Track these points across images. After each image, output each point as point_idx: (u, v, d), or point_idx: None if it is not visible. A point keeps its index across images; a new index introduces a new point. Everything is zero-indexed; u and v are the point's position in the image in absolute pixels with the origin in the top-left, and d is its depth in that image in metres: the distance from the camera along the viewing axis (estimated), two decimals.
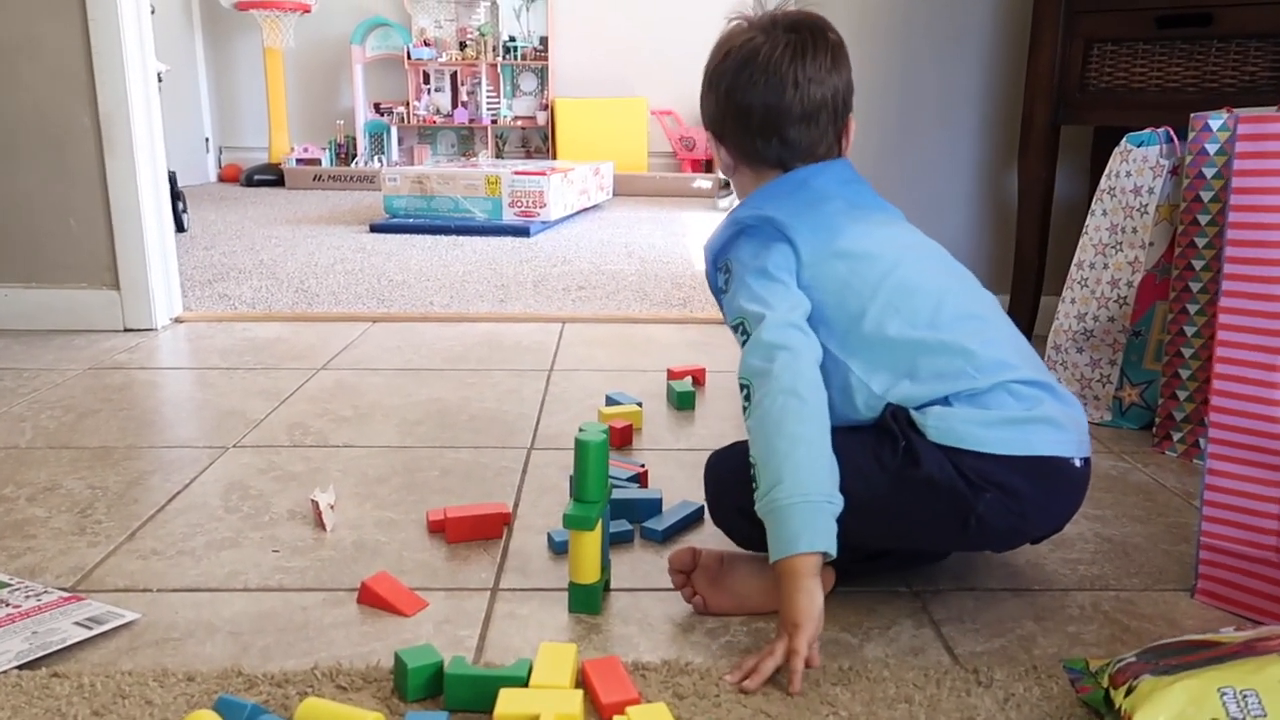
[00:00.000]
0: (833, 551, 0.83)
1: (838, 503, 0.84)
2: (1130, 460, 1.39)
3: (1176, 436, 1.42)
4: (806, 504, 0.83)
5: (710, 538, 1.11)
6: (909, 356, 0.90)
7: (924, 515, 0.89)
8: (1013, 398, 0.89)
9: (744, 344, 0.93)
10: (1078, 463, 0.93)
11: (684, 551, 0.96)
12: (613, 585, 1.00)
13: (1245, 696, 0.62)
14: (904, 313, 0.91)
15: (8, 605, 0.92)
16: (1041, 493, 0.90)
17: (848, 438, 0.89)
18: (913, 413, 0.89)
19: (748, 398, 0.91)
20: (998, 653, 0.88)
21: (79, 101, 2.02)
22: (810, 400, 0.87)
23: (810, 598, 0.81)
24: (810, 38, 0.98)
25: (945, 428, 0.87)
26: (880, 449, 0.89)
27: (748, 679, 0.80)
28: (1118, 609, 0.97)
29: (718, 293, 1.03)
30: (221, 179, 6.32)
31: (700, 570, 0.95)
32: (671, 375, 1.70)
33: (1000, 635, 0.92)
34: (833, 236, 0.96)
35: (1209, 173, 1.35)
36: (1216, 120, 1.34)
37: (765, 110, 0.98)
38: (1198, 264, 1.38)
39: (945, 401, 0.88)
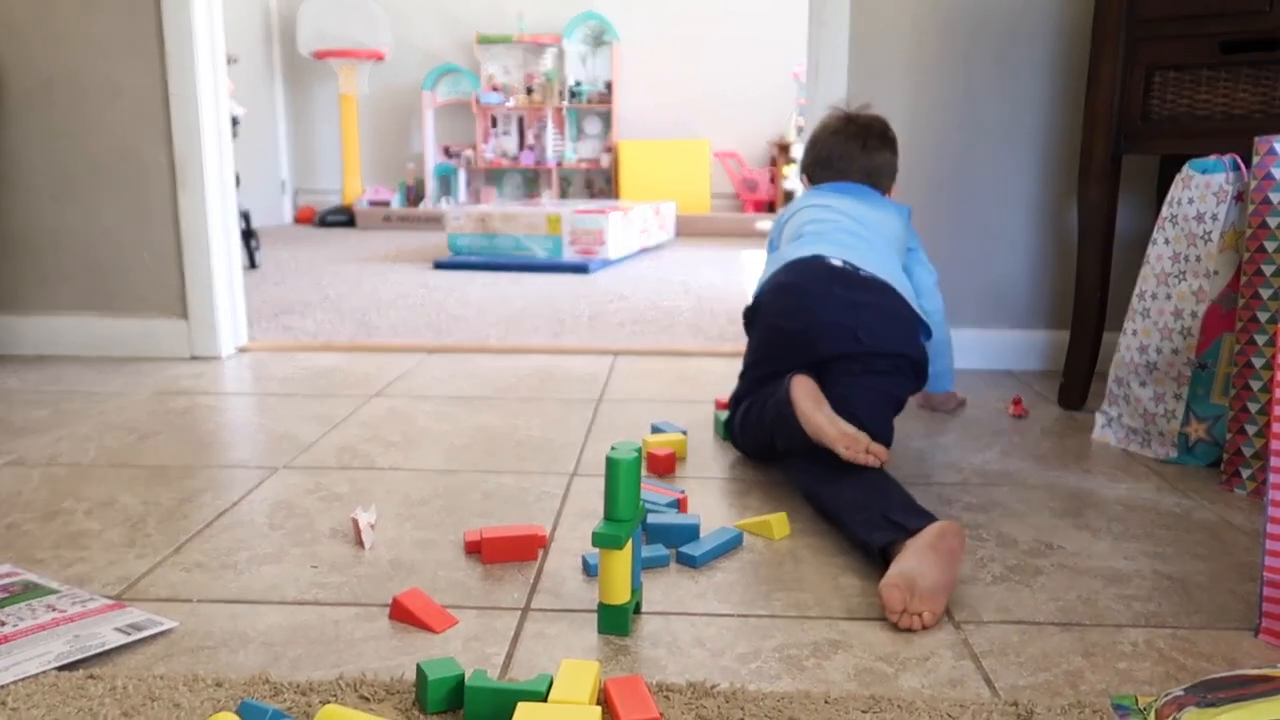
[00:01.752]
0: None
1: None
2: (1195, 498, 1.33)
3: (1246, 474, 1.35)
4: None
5: (748, 565, 1.09)
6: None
7: (757, 330, 1.48)
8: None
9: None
10: (836, 261, 1.41)
11: (894, 594, 0.96)
12: (645, 609, 0.98)
13: None
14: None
15: (55, 610, 0.95)
16: (801, 275, 1.42)
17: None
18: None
19: None
20: (1041, 687, 0.84)
21: (156, 141, 2.11)
22: None
23: None
24: (869, 131, 1.66)
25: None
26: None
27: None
28: (1174, 647, 0.92)
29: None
30: (297, 220, 6.54)
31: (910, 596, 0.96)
32: (720, 406, 1.68)
33: (1045, 670, 0.88)
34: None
35: (1276, 199, 1.31)
36: None
37: (830, 160, 1.67)
38: (1265, 293, 1.32)
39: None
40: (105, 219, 2.15)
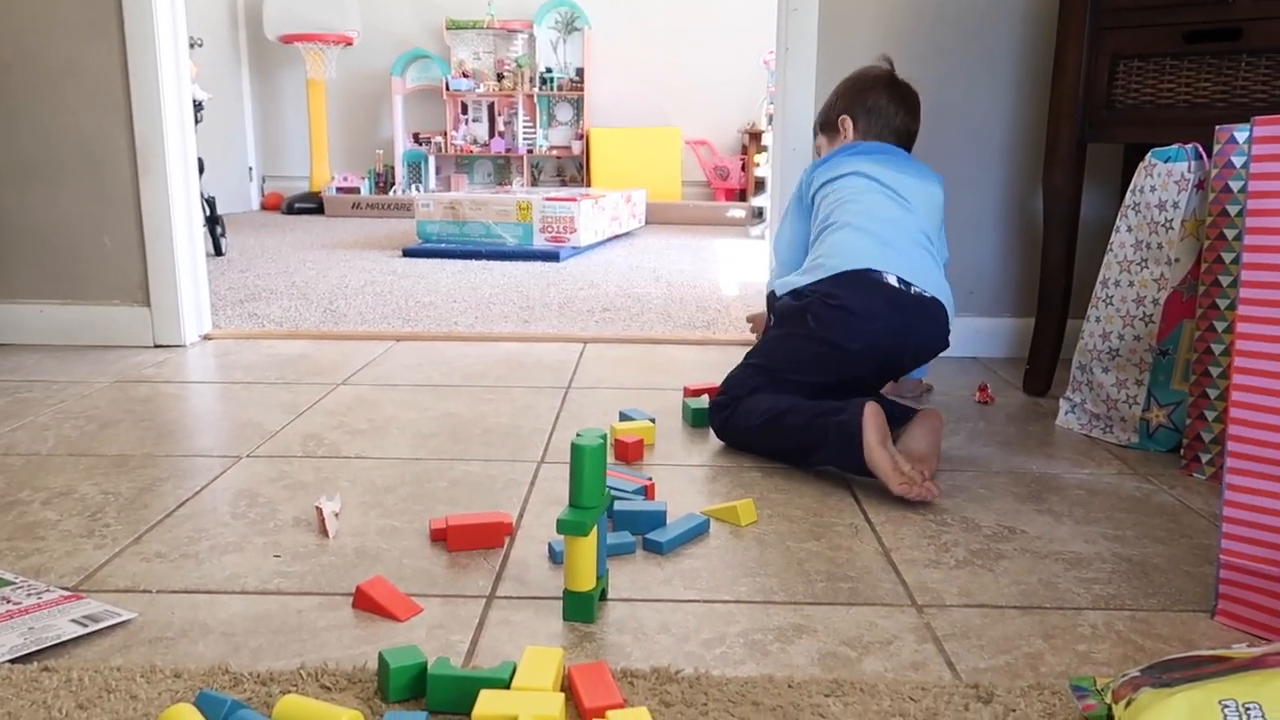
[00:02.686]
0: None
1: None
2: (1156, 482, 1.35)
3: (1205, 458, 1.37)
4: None
5: (714, 551, 1.10)
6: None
7: (794, 336, 1.44)
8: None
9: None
10: (893, 280, 1.40)
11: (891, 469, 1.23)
12: (611, 595, 0.98)
13: (1248, 709, 0.58)
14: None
15: (9, 602, 0.93)
16: (856, 294, 1.39)
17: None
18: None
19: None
20: (1002, 669, 0.85)
21: (116, 124, 2.07)
22: None
23: None
24: (912, 95, 1.69)
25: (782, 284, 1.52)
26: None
27: None
28: (1132, 629, 0.93)
29: None
30: (264, 207, 6.46)
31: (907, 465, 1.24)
32: (688, 393, 1.68)
33: (1006, 652, 0.88)
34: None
35: (1235, 186, 1.32)
36: (1243, 133, 1.31)
37: (878, 111, 1.65)
38: (1225, 280, 1.34)
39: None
40: (65, 204, 2.11)
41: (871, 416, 1.24)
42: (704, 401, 1.60)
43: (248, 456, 1.40)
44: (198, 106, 3.43)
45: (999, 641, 0.90)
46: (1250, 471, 0.90)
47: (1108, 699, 0.71)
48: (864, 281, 1.41)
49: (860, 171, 1.54)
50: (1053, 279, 1.81)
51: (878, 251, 1.43)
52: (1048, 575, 1.05)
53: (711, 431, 1.51)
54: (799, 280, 1.48)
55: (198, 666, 0.82)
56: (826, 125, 1.70)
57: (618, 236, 4.70)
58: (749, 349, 1.57)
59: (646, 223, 5.37)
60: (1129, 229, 1.50)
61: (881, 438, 1.24)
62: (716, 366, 1.99)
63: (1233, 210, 1.33)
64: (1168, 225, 1.43)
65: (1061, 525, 1.19)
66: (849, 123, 1.65)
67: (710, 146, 6.28)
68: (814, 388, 1.40)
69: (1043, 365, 1.81)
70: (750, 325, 1.89)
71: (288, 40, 5.97)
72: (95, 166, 2.09)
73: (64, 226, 2.12)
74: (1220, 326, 1.35)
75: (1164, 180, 1.44)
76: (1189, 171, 1.42)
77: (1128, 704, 0.64)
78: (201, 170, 3.05)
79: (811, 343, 1.41)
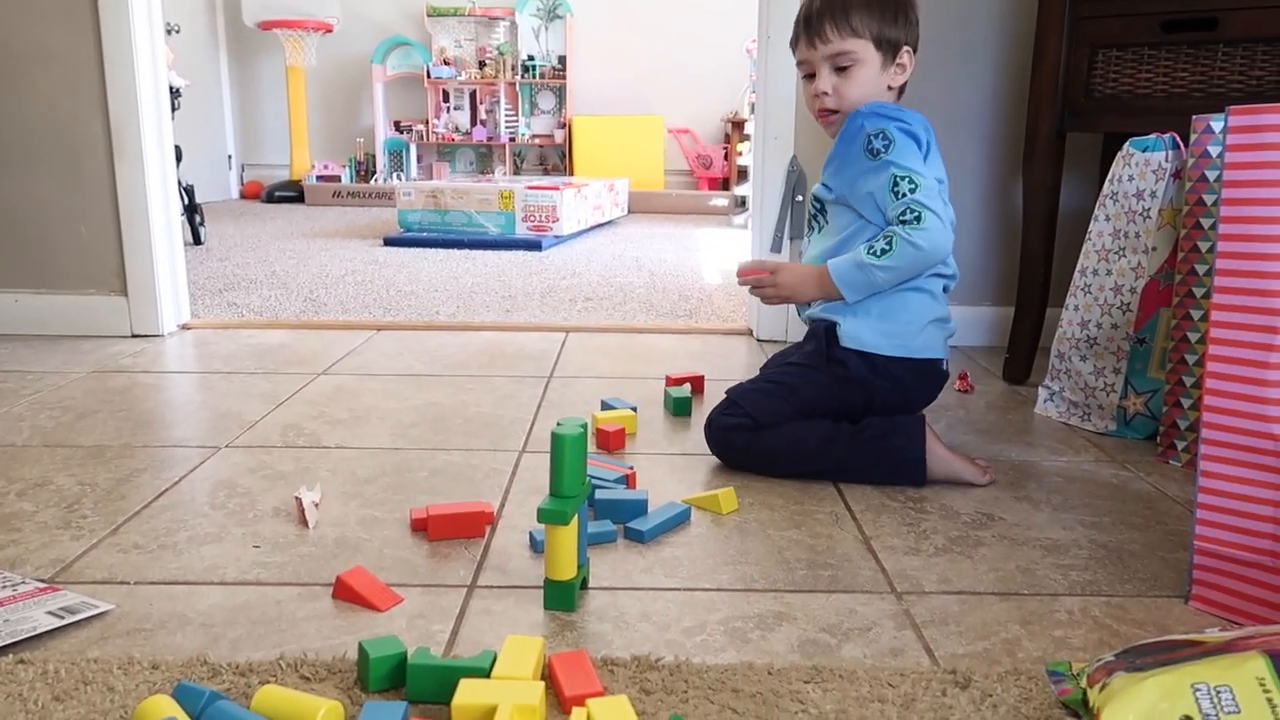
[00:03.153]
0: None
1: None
2: (1133, 469, 1.36)
3: (1181, 445, 1.39)
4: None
5: (695, 539, 1.10)
6: None
7: (841, 399, 1.32)
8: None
9: (913, 190, 1.26)
10: (945, 365, 1.37)
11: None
12: (592, 584, 0.98)
13: (1219, 692, 0.59)
14: None
15: None
16: (925, 390, 1.36)
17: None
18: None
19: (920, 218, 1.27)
20: (979, 655, 0.86)
21: (91, 110, 2.04)
22: None
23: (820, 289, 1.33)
24: None
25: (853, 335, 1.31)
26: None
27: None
28: (1108, 614, 0.94)
29: (873, 153, 1.29)
30: (243, 195, 6.40)
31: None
32: (670, 382, 1.69)
33: (984, 638, 0.89)
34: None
35: (1212, 176, 1.33)
36: (1219, 122, 1.32)
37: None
38: (1201, 269, 1.35)
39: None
40: (40, 191, 2.08)
41: (930, 432, 1.28)
42: (686, 390, 1.61)
43: (227, 447, 1.39)
44: (175, 93, 3.39)
45: (977, 628, 0.91)
46: (1224, 458, 0.91)
47: (1083, 683, 0.71)
48: (935, 377, 1.36)
49: (941, 180, 1.32)
50: (1032, 268, 1.82)
51: (944, 334, 1.35)
52: (1025, 562, 1.06)
53: (694, 421, 1.52)
54: (873, 338, 1.30)
55: (176, 658, 0.82)
56: (887, 42, 1.30)
57: (600, 225, 4.69)
58: (768, 360, 1.48)
59: (629, 211, 5.36)
60: (1107, 218, 1.51)
61: (943, 445, 1.29)
62: (699, 355, 2.00)
63: (1209, 199, 1.34)
64: (1145, 214, 1.44)
65: (1039, 512, 1.20)
66: (910, 59, 1.34)
67: (693, 135, 6.28)
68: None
69: (1022, 353, 1.82)
70: (743, 279, 1.40)
71: (267, 27, 5.91)
72: (70, 154, 2.06)
73: (38, 214, 2.09)
74: (1196, 315, 1.36)
75: (1142, 169, 1.45)
76: (1166, 161, 1.42)
77: (1102, 688, 0.65)
78: (179, 158, 3.02)
79: (855, 408, 1.32)
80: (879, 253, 1.25)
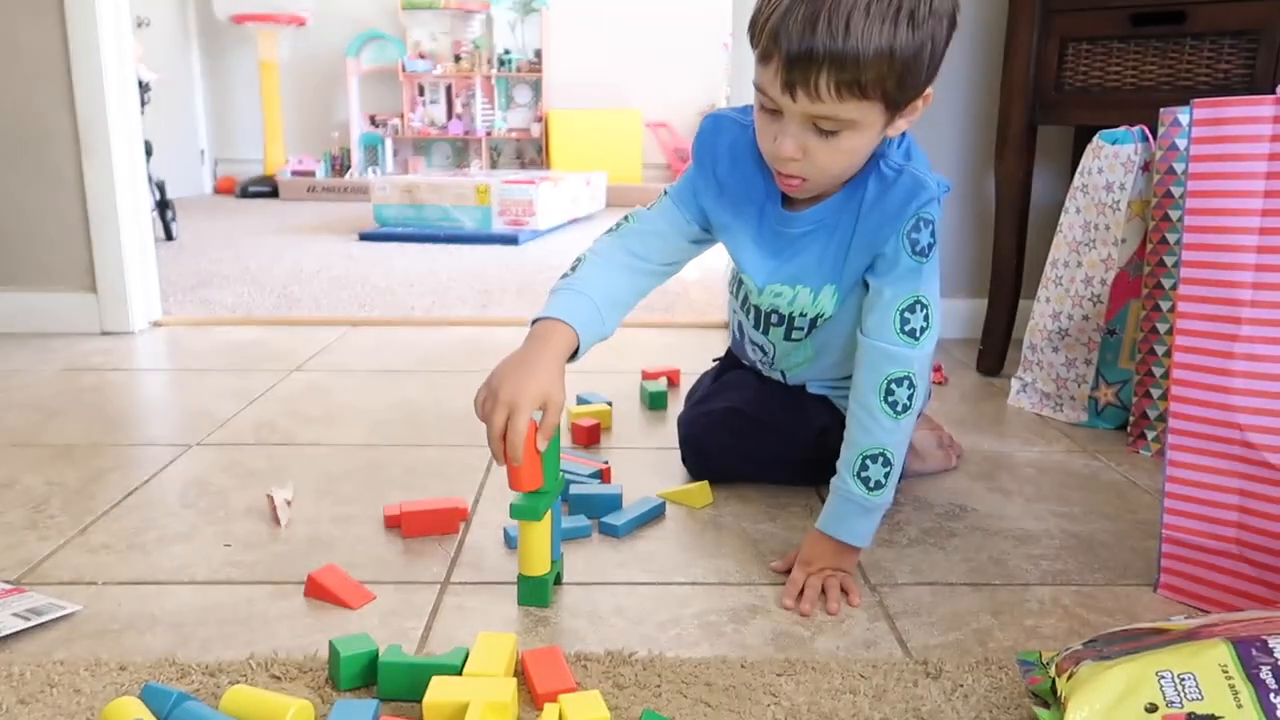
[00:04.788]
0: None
1: None
2: (1103, 459, 1.38)
3: (1150, 435, 1.40)
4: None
5: (670, 533, 1.10)
6: None
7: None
8: None
9: (922, 332, 0.98)
10: None
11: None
12: (566, 579, 0.98)
13: (1183, 680, 0.60)
14: None
15: None
16: None
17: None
18: None
19: (912, 394, 0.98)
20: (951, 646, 0.87)
21: (57, 104, 2.01)
22: None
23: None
24: None
25: None
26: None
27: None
28: (1078, 603, 0.95)
29: (917, 254, 0.99)
30: (217, 191, 6.33)
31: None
32: (645, 376, 1.69)
33: (956, 629, 0.90)
34: None
35: (1179, 168, 1.34)
36: (1186, 115, 1.33)
37: None
38: (1169, 260, 1.37)
39: None
40: (6, 187, 2.04)
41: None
42: (662, 384, 1.60)
43: (198, 445, 1.38)
44: (144, 88, 3.34)
45: (949, 618, 0.92)
46: (1190, 448, 0.92)
47: (1051, 672, 0.72)
48: None
49: None
50: (1004, 260, 1.83)
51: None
52: (997, 553, 1.06)
53: (669, 415, 1.52)
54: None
55: (144, 659, 0.81)
56: (909, 87, 0.90)
57: (577, 220, 4.68)
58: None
59: (607, 205, 5.35)
60: (1077, 210, 1.52)
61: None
62: (675, 349, 2.00)
63: (1176, 191, 1.35)
64: (1115, 206, 1.46)
65: (1011, 503, 1.21)
66: (926, 101, 0.95)
67: (670, 129, 6.27)
68: None
69: (995, 345, 1.84)
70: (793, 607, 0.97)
71: (239, 20, 5.84)
72: (36, 148, 2.03)
73: (5, 211, 2.05)
74: (1165, 306, 1.38)
75: (1111, 162, 1.46)
76: (1135, 154, 1.44)
77: (1069, 677, 0.66)
78: (150, 153, 2.98)
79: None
80: (878, 483, 0.97)
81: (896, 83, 0.87)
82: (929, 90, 0.94)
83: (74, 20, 1.97)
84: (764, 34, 0.88)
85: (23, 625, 0.86)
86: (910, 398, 0.98)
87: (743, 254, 1.08)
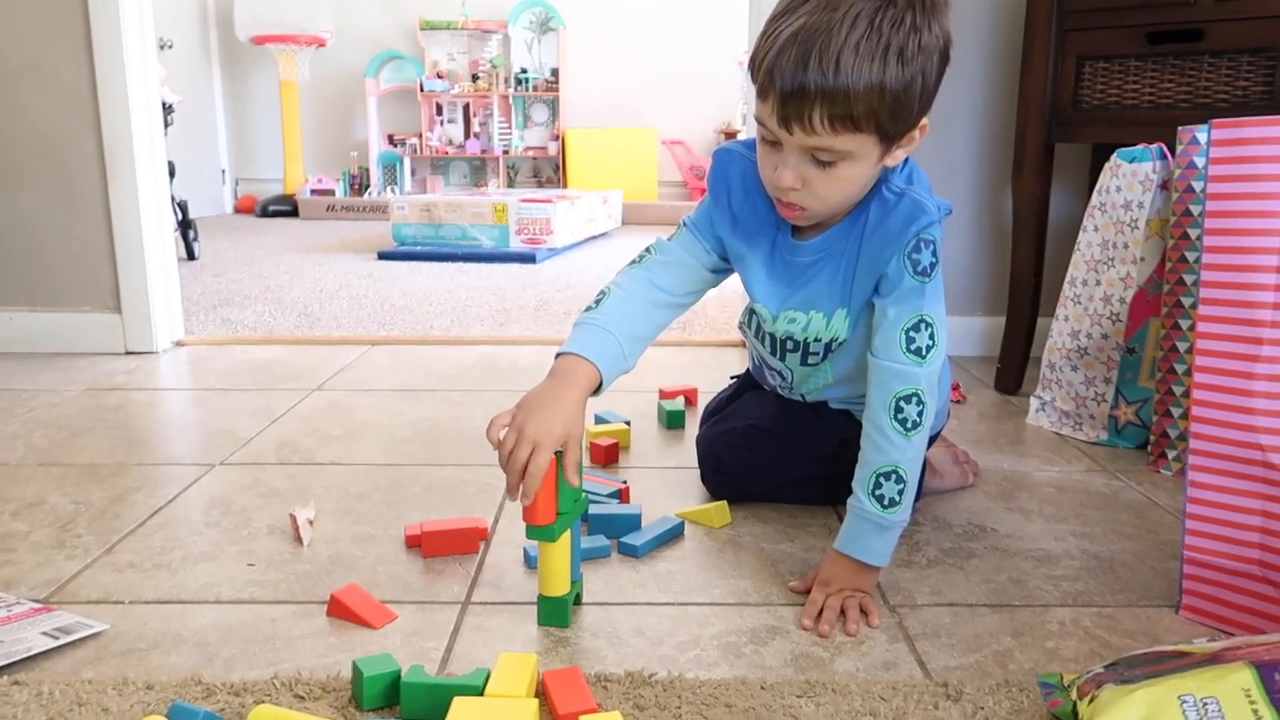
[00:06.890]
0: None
1: None
2: (1124, 479, 1.37)
3: (1171, 455, 1.40)
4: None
5: (690, 553, 1.10)
6: None
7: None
8: None
9: (928, 350, 1.00)
10: None
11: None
12: (586, 599, 0.99)
13: (1206, 704, 0.60)
14: None
15: None
16: None
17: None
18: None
19: (922, 411, 0.99)
20: (971, 668, 0.86)
21: (83, 127, 2.05)
22: None
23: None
24: None
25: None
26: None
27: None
28: (1099, 625, 0.95)
29: (919, 274, 1.01)
30: (237, 210, 6.41)
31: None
32: (663, 395, 1.69)
33: (976, 650, 0.90)
34: None
35: (1198, 186, 1.34)
36: (1204, 133, 1.33)
37: None
38: (1189, 279, 1.36)
39: None
40: (32, 209, 2.08)
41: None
42: (680, 403, 1.61)
43: (221, 464, 1.39)
44: (168, 109, 3.40)
45: (969, 640, 0.92)
46: (1211, 468, 0.92)
47: (1073, 695, 0.72)
48: None
49: None
50: (1022, 278, 1.83)
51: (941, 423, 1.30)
52: (1017, 573, 1.06)
53: (687, 434, 1.52)
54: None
55: (170, 678, 0.82)
56: (902, 119, 0.93)
57: (594, 238, 4.70)
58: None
59: (623, 223, 5.37)
60: (1095, 229, 1.52)
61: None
62: (692, 368, 2.00)
63: (1195, 210, 1.35)
64: (1133, 225, 1.45)
65: (1031, 523, 1.20)
66: (923, 131, 0.99)
67: (686, 146, 6.30)
68: None
69: (1013, 363, 1.83)
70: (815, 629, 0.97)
71: (259, 41, 5.92)
72: (62, 170, 2.07)
73: (31, 232, 2.09)
74: (1185, 324, 1.37)
75: (1129, 180, 1.46)
76: (1153, 172, 1.44)
77: (1091, 700, 0.66)
78: (173, 174, 3.03)
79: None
80: (893, 500, 0.98)
81: (889, 115, 0.91)
82: (924, 122, 0.97)
83: (100, 44, 2.01)
84: (761, 71, 0.93)
85: (52, 644, 0.87)
86: (920, 414, 0.99)
87: (756, 283, 1.12)
